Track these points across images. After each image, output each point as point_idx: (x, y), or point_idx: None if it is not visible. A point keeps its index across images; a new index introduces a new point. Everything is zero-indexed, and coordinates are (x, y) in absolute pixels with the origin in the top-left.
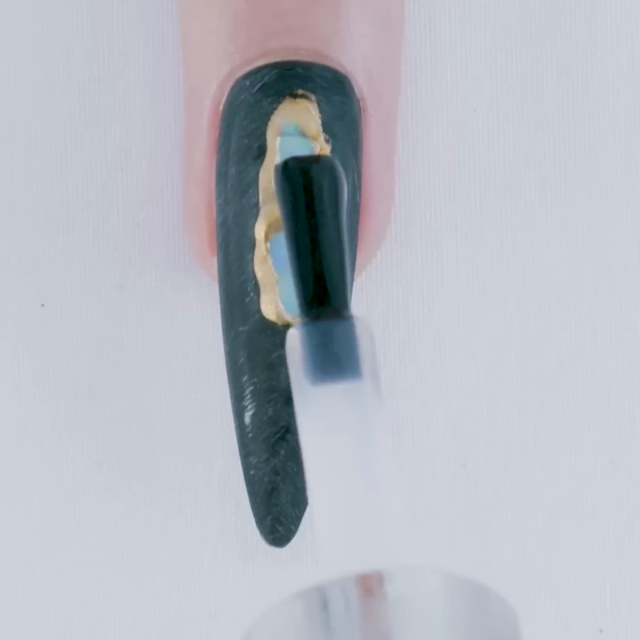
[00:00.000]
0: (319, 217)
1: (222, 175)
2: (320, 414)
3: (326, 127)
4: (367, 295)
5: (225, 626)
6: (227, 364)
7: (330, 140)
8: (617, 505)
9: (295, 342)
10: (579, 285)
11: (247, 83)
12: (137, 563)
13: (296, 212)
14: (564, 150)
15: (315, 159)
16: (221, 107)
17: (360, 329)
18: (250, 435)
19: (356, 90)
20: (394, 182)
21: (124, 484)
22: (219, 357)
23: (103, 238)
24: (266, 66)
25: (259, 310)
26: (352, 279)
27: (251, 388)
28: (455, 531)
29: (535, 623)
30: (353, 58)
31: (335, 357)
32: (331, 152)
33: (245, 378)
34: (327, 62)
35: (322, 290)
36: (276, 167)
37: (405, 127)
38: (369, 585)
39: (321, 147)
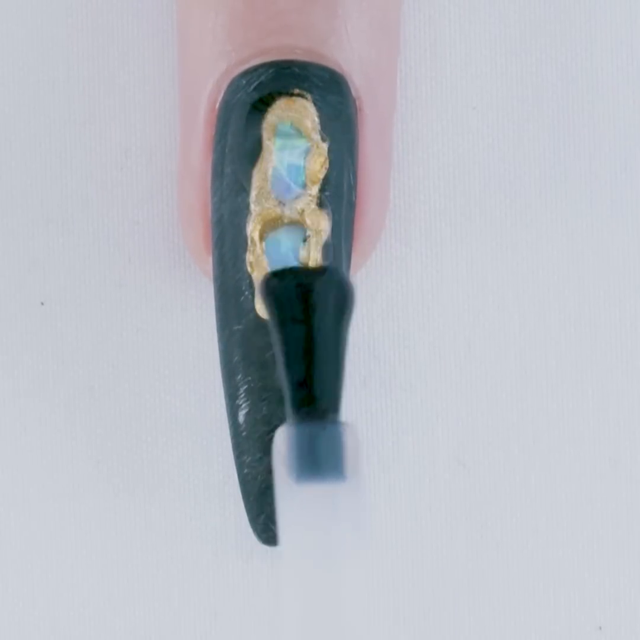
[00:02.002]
0: (316, 334)
1: (217, 174)
2: (301, 513)
3: (322, 127)
4: (366, 294)
5: (225, 625)
6: (221, 362)
7: (326, 140)
8: (616, 503)
9: (282, 441)
10: (578, 283)
11: (244, 82)
12: (136, 562)
13: (291, 328)
14: (563, 148)
15: (319, 272)
16: (217, 106)
17: (346, 433)
18: (244, 434)
19: (352, 90)
20: (389, 181)
21: (123, 483)
22: (218, 355)
23: (102, 237)
24: (262, 65)
25: (253, 309)
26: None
27: (245, 387)
28: (454, 529)
29: (535, 620)
30: (349, 58)
31: (320, 460)
32: (328, 151)
33: (239, 377)
34: (324, 62)
35: (311, 397)
36: (267, 278)
37: (405, 126)
38: None
39: (317, 144)
